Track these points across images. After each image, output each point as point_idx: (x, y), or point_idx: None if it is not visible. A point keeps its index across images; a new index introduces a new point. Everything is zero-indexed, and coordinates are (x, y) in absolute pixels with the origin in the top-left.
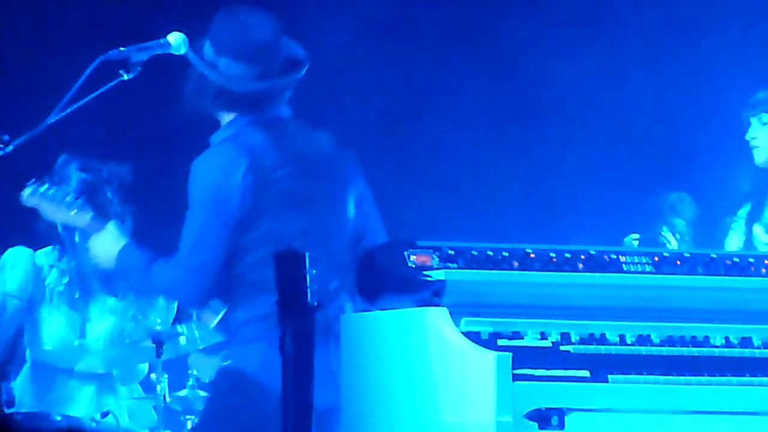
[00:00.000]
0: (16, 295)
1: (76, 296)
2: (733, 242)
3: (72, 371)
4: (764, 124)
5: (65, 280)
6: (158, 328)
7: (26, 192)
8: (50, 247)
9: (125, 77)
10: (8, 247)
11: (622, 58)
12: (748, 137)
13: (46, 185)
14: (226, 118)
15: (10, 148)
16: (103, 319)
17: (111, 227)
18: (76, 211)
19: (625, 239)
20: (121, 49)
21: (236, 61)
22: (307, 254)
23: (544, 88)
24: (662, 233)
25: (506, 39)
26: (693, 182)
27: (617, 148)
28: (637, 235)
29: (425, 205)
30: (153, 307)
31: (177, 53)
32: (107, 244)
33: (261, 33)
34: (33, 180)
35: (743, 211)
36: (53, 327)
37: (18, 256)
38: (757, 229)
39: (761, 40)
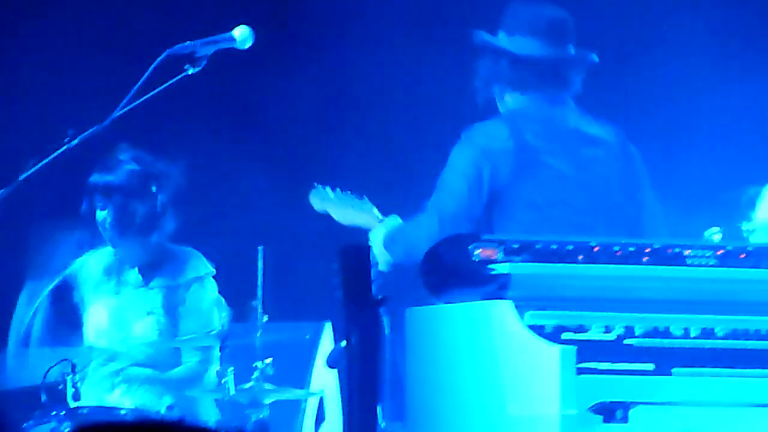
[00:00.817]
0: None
1: (113, 292)
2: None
3: (123, 368)
4: None
5: (105, 278)
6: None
7: (313, 194)
8: (104, 247)
9: (190, 71)
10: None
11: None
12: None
13: (329, 188)
14: (509, 99)
15: (76, 141)
16: (145, 313)
17: (390, 219)
18: (363, 213)
19: (705, 233)
20: (187, 43)
21: (528, 36)
22: (371, 247)
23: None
24: (742, 227)
25: None
26: None
27: (697, 142)
28: (717, 229)
29: None
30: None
31: (242, 48)
32: (378, 230)
33: (551, 11)
34: (317, 185)
35: None
36: (99, 321)
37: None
38: None
39: None
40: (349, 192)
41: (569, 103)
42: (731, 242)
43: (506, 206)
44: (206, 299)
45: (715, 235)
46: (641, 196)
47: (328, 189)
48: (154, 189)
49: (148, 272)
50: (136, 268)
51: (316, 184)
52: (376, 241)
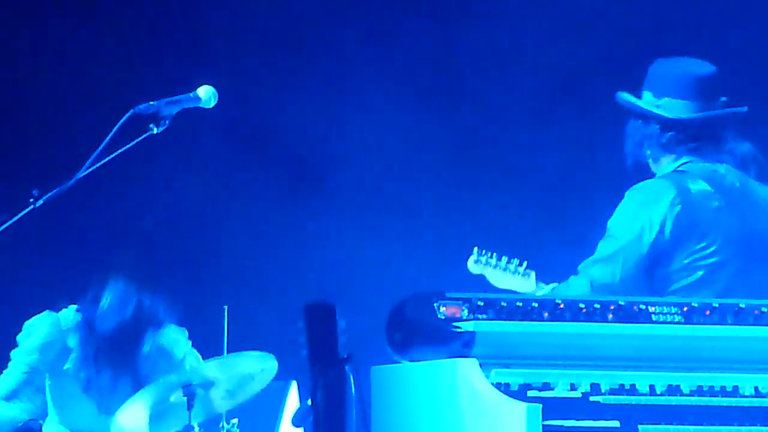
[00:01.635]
0: (31, 365)
1: (86, 377)
2: None
3: None
4: None
5: (79, 338)
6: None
7: (471, 259)
8: (74, 308)
9: (155, 131)
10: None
11: None
12: None
13: (488, 253)
14: (665, 161)
15: (41, 202)
16: (126, 394)
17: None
18: (522, 275)
19: None
20: (151, 102)
21: (677, 98)
22: (336, 306)
23: None
24: None
25: None
26: None
27: None
28: None
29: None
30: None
31: (207, 107)
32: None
33: (699, 69)
34: (476, 248)
35: None
36: (75, 408)
37: (40, 324)
38: None
39: None
40: (507, 258)
41: (726, 159)
42: (696, 299)
43: (669, 270)
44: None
45: None
46: None
47: (487, 255)
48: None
49: (127, 347)
50: (115, 343)
51: (475, 248)
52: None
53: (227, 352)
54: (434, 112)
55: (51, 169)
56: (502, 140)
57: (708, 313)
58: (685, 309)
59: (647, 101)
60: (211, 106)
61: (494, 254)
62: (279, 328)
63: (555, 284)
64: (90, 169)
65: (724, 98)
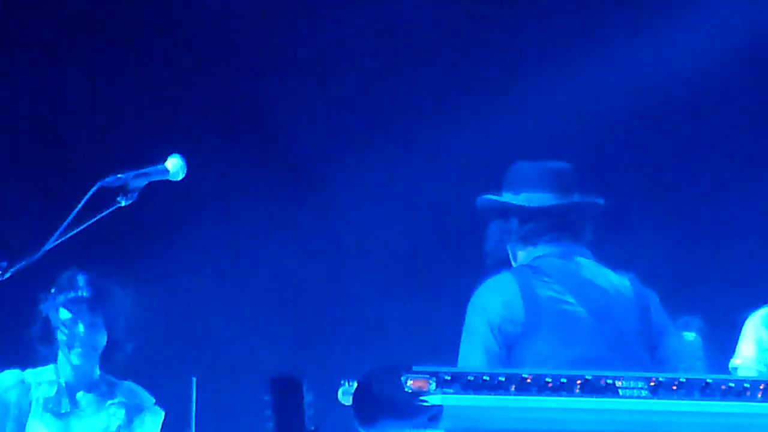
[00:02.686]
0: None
1: (66, 410)
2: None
3: None
4: None
5: (53, 390)
6: None
7: (341, 392)
8: (45, 367)
9: (122, 203)
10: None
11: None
12: None
13: (354, 383)
14: (522, 255)
15: (8, 274)
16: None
17: None
18: None
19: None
20: (119, 175)
21: (535, 191)
22: (304, 380)
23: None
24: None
25: None
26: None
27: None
28: None
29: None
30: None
31: (175, 179)
32: None
33: (554, 165)
34: (343, 381)
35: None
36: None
37: (3, 379)
38: None
39: None
40: None
41: (584, 253)
42: (662, 374)
43: (520, 363)
44: (155, 427)
45: None
46: (665, 343)
47: (354, 384)
48: (117, 310)
49: (102, 394)
50: (91, 389)
51: (342, 381)
52: None
53: (195, 423)
54: None
55: (19, 240)
56: None
57: (675, 387)
58: (652, 383)
59: (507, 198)
60: (180, 178)
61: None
62: (246, 400)
63: None
64: (58, 242)
65: (579, 192)
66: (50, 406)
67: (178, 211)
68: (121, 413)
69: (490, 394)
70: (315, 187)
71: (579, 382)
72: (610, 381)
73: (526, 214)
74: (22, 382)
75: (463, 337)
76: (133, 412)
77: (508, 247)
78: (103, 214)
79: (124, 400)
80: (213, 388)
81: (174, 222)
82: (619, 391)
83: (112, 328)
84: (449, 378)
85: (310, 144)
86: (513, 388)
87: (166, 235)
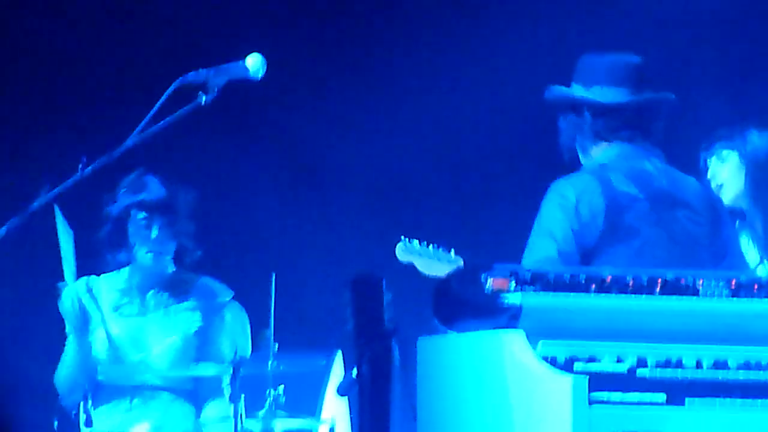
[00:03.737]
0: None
1: (135, 312)
2: None
3: (139, 390)
4: (723, 160)
5: (125, 299)
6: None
7: (399, 247)
8: (113, 272)
9: (203, 100)
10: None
11: None
12: (709, 177)
13: (416, 241)
14: (596, 151)
15: (89, 169)
16: (166, 335)
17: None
18: (448, 262)
19: None
20: (200, 71)
21: (607, 85)
22: (383, 278)
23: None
24: None
25: None
26: None
27: None
28: None
29: None
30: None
31: (256, 77)
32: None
33: (627, 58)
34: (404, 237)
35: None
36: (112, 344)
37: (63, 297)
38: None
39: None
40: (436, 245)
41: (658, 154)
42: (744, 274)
43: (597, 264)
44: (237, 324)
45: None
46: (730, 257)
47: (415, 242)
48: (185, 212)
49: (175, 295)
50: (162, 291)
51: (402, 237)
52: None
53: (274, 321)
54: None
55: (99, 137)
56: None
57: (756, 287)
58: (733, 283)
59: (578, 92)
60: (260, 76)
61: (423, 242)
62: (325, 299)
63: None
64: (138, 138)
65: (652, 88)
66: (120, 309)
67: (257, 108)
68: (197, 317)
69: (570, 294)
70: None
71: (660, 281)
72: (690, 281)
73: (598, 109)
74: (90, 290)
75: (534, 236)
76: (211, 313)
77: (578, 142)
78: (183, 110)
79: (198, 303)
80: (292, 287)
81: (253, 119)
82: (700, 291)
83: (182, 233)
84: (529, 277)
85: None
86: (593, 287)
87: (246, 131)
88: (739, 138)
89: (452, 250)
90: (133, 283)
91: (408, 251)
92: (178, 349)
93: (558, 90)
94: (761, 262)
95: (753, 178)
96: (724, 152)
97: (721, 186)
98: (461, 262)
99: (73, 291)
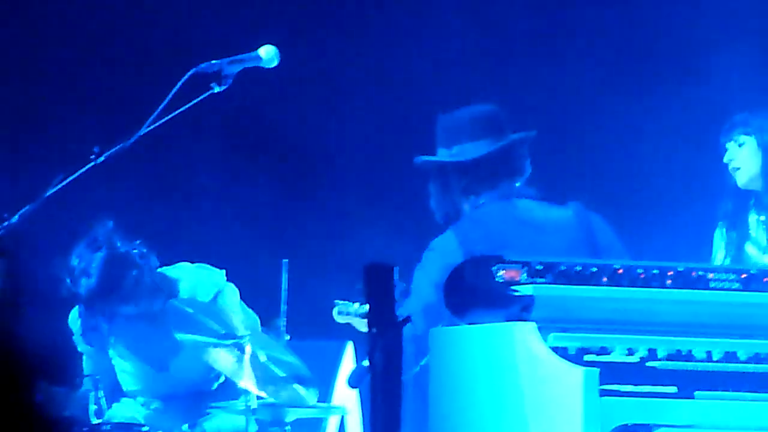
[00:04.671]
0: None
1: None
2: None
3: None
4: (740, 145)
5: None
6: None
7: (335, 311)
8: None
9: (216, 90)
10: None
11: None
12: (726, 160)
13: (350, 303)
14: (467, 205)
15: (102, 159)
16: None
17: None
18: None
19: None
20: (213, 61)
21: (467, 142)
22: (395, 268)
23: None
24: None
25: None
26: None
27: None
28: None
29: None
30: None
31: (268, 66)
32: None
33: (482, 110)
34: (338, 301)
35: (725, 233)
36: (127, 366)
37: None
38: (750, 249)
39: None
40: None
41: (525, 192)
42: (755, 266)
43: None
44: (232, 302)
45: None
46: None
47: (351, 304)
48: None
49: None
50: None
51: (336, 301)
52: None
53: (286, 308)
54: None
55: (112, 127)
56: None
57: (766, 280)
58: (744, 276)
59: (442, 155)
60: (273, 65)
61: (356, 302)
62: (337, 289)
63: None
64: (151, 127)
65: (511, 131)
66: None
67: (272, 99)
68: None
69: (581, 285)
70: None
71: (671, 273)
72: (701, 273)
73: (462, 168)
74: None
75: (410, 298)
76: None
77: (450, 201)
78: (197, 100)
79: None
80: (303, 276)
81: (267, 108)
82: (711, 283)
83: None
84: (541, 268)
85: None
86: (605, 279)
87: (258, 121)
88: (757, 124)
89: None
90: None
91: (344, 313)
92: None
93: (422, 159)
94: None
95: None
96: (742, 137)
97: (737, 169)
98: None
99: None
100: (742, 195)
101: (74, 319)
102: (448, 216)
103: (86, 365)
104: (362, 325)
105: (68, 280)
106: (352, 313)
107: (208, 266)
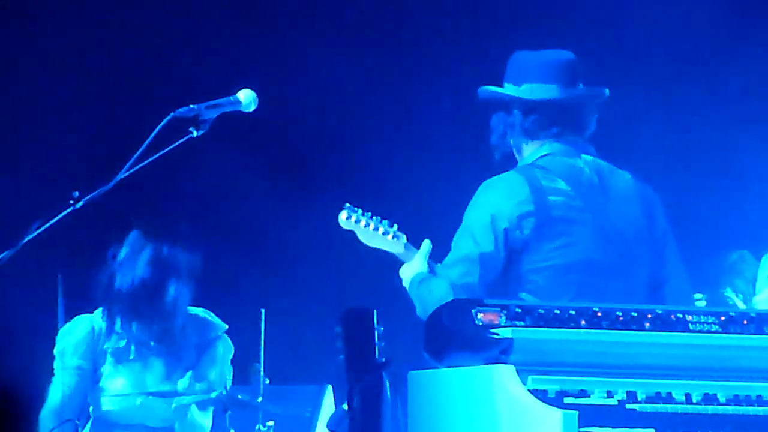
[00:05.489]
0: (79, 366)
1: (131, 357)
2: (763, 288)
3: (131, 427)
4: None
5: (123, 342)
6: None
7: (342, 214)
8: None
9: (195, 134)
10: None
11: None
12: None
13: (360, 210)
14: (527, 150)
15: (81, 204)
16: (162, 379)
17: (419, 259)
18: (391, 236)
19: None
20: (192, 106)
21: (537, 82)
22: (375, 311)
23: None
24: (726, 293)
25: None
26: (753, 239)
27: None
28: (700, 295)
29: None
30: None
31: (247, 111)
32: (407, 271)
33: (557, 55)
34: (348, 204)
35: None
36: (113, 386)
37: (76, 325)
38: None
39: None
40: (380, 218)
41: (588, 149)
42: (734, 309)
43: (523, 270)
44: (227, 355)
45: (697, 302)
46: (664, 254)
47: (359, 210)
48: (173, 280)
49: (168, 334)
50: (159, 341)
51: (347, 204)
52: (406, 279)
53: (264, 356)
54: None
55: (91, 172)
56: None
57: (745, 322)
58: (723, 318)
59: (509, 90)
60: (251, 110)
61: (366, 212)
62: (315, 332)
63: (427, 242)
64: (130, 171)
65: (583, 83)
66: (120, 355)
67: (244, 144)
68: (192, 354)
69: (560, 328)
70: None
71: (649, 316)
72: (680, 315)
73: (528, 107)
74: (93, 329)
75: (460, 238)
76: (203, 349)
77: (511, 140)
78: (176, 144)
79: (194, 339)
80: (282, 321)
81: (240, 154)
82: (690, 325)
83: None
84: (520, 311)
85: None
86: (583, 322)
87: (232, 168)
88: None
89: (395, 225)
90: (125, 330)
91: (350, 219)
92: (184, 382)
93: (488, 90)
94: None
95: None
96: None
97: None
98: (405, 239)
99: (84, 327)
100: None
101: (76, 330)
102: (506, 156)
103: (66, 389)
104: (365, 237)
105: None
106: (358, 221)
107: (213, 315)
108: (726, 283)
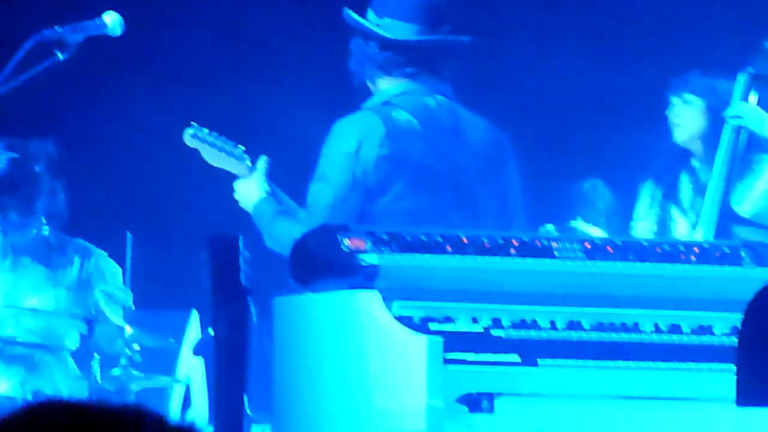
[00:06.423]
0: None
1: (6, 264)
2: (643, 217)
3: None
4: (686, 103)
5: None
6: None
7: (188, 132)
8: None
9: (60, 57)
10: None
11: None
12: (668, 113)
13: (207, 130)
14: (382, 84)
15: None
16: (37, 291)
17: (256, 176)
18: (235, 157)
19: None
20: (56, 28)
21: (399, 19)
22: (240, 237)
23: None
24: (574, 224)
25: None
26: (606, 168)
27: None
28: (551, 226)
29: None
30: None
31: (113, 34)
32: (250, 191)
33: None
34: (194, 123)
35: (652, 189)
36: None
37: None
38: (674, 212)
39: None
40: (225, 137)
41: (443, 91)
42: (598, 237)
43: (375, 212)
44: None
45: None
46: (509, 200)
47: (205, 130)
48: (37, 169)
49: (48, 251)
50: (35, 253)
51: (192, 123)
52: (246, 199)
53: (131, 280)
54: None
55: None
56: None
57: (610, 250)
58: (588, 245)
59: (369, 20)
60: (118, 34)
61: (212, 132)
62: (182, 257)
63: (263, 158)
64: None
65: (448, 26)
66: None
67: (116, 67)
68: (68, 273)
69: (426, 254)
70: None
71: (515, 243)
72: (546, 242)
73: (385, 43)
74: None
75: (315, 174)
76: (87, 267)
77: (366, 70)
78: (40, 67)
79: (74, 258)
80: (147, 245)
81: (112, 78)
82: (555, 252)
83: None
84: (386, 237)
85: None
86: (449, 248)
87: (106, 90)
88: (708, 85)
89: (239, 146)
90: (5, 241)
91: (196, 137)
92: (52, 303)
93: (349, 16)
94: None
95: (712, 129)
96: (689, 95)
97: (678, 125)
98: (248, 161)
99: None
100: (677, 153)
101: None
102: (363, 86)
103: None
104: (210, 156)
105: None
106: (203, 140)
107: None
108: (576, 213)
